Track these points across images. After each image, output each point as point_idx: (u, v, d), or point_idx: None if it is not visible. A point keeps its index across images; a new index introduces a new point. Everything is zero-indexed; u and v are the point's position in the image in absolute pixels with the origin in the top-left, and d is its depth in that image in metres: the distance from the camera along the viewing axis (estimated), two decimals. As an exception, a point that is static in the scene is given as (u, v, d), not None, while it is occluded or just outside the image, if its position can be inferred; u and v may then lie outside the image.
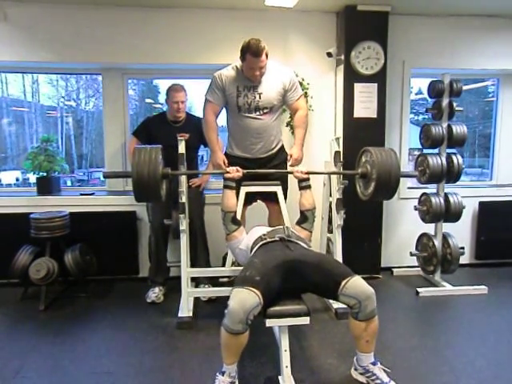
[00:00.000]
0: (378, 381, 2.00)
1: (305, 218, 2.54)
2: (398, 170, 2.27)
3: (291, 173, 2.59)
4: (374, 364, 2.04)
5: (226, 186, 2.51)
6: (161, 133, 3.23)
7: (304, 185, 2.56)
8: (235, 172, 2.51)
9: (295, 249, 2.18)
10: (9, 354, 2.41)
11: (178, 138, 2.80)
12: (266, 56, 2.69)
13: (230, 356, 1.91)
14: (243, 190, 2.81)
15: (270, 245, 2.23)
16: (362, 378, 2.08)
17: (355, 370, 2.12)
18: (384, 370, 2.04)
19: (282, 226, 2.44)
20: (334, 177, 3.02)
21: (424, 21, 3.66)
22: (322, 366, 2.25)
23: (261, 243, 2.26)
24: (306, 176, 2.55)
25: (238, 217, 2.63)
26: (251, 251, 2.29)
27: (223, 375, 1.93)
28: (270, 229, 2.44)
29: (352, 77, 3.47)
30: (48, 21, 3.37)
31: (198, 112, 3.43)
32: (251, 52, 2.61)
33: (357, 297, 1.94)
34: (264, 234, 2.33)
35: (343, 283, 1.96)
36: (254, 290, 1.84)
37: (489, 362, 2.29)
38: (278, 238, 2.26)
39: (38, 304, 3.03)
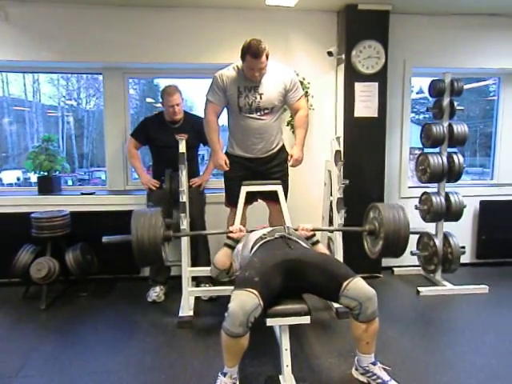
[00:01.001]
0: (379, 380, 2.00)
1: None
2: (408, 229, 2.21)
3: (296, 230, 2.41)
4: (374, 364, 2.04)
5: (226, 245, 2.36)
6: (159, 134, 3.24)
7: (310, 242, 2.37)
8: (238, 232, 2.37)
9: (295, 248, 2.17)
10: (10, 353, 2.41)
11: (178, 138, 2.80)
12: (267, 57, 2.68)
13: (232, 359, 1.90)
14: (244, 190, 2.82)
15: (269, 243, 2.22)
16: (362, 378, 2.08)
17: (356, 370, 2.12)
18: (384, 369, 2.04)
19: (282, 226, 2.43)
20: (334, 176, 3.01)
21: (425, 20, 3.66)
22: (323, 365, 2.25)
23: (261, 242, 2.25)
24: (310, 234, 2.39)
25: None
26: (251, 250, 2.29)
27: (225, 376, 1.92)
28: (270, 228, 2.44)
29: (353, 76, 3.46)
30: (49, 20, 3.38)
31: (199, 111, 3.43)
32: (251, 53, 2.61)
33: (358, 298, 1.93)
34: (264, 234, 2.32)
35: (345, 285, 1.95)
36: (253, 291, 1.83)
37: (489, 362, 2.29)
38: (278, 236, 2.25)
39: (39, 303, 3.03)
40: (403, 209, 2.28)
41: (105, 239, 2.31)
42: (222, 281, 2.44)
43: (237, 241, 2.38)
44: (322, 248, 2.46)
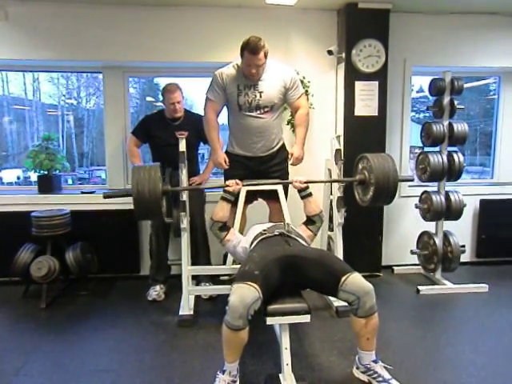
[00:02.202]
0: (380, 378, 2.00)
1: (312, 221, 2.57)
2: (396, 174, 2.28)
3: (290, 183, 2.61)
4: (375, 362, 2.05)
5: (223, 198, 2.52)
6: (159, 131, 3.24)
7: (304, 194, 2.57)
8: (235, 185, 2.52)
9: (294, 245, 2.19)
10: (10, 352, 2.42)
11: (178, 136, 2.79)
12: (265, 55, 2.68)
13: (232, 354, 1.92)
14: (244, 189, 2.81)
15: (269, 239, 2.25)
16: (363, 377, 2.08)
17: (357, 368, 2.12)
18: (385, 368, 2.04)
19: (282, 222, 2.45)
20: (334, 175, 3.01)
21: (425, 18, 3.65)
22: (323, 364, 2.26)
23: (260, 238, 2.27)
24: (304, 186, 2.56)
25: (229, 223, 2.64)
26: (250, 246, 2.30)
27: (224, 374, 1.93)
28: (270, 224, 2.46)
29: (353, 75, 3.46)
30: (49, 19, 3.37)
31: (198, 110, 3.43)
32: (249, 49, 2.61)
33: (356, 293, 1.95)
34: (264, 230, 2.35)
35: (343, 279, 1.97)
36: (253, 284, 1.86)
37: (489, 360, 2.29)
38: (277, 233, 2.27)
39: (39, 302, 3.04)
40: (391, 157, 2.36)
41: (105, 194, 2.33)
42: (216, 236, 2.53)
43: (233, 194, 2.54)
44: (314, 200, 2.59)
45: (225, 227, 2.52)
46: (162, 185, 2.27)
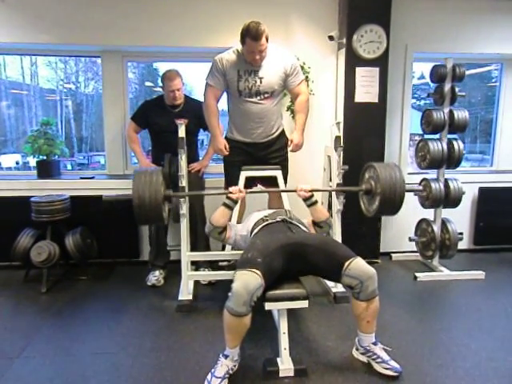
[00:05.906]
0: (379, 360, 2.04)
1: (319, 227, 2.50)
2: (403, 185, 2.23)
3: (294, 191, 2.46)
4: (375, 344, 2.08)
5: (224, 204, 2.40)
6: (159, 118, 3.22)
7: (309, 203, 2.45)
8: (238, 192, 2.40)
9: (297, 231, 2.20)
10: (12, 335, 2.45)
11: (177, 122, 2.78)
12: (267, 39, 2.65)
13: (234, 339, 1.93)
14: (243, 175, 2.82)
15: (271, 226, 2.25)
16: (362, 358, 2.13)
17: (356, 350, 2.16)
18: (385, 350, 2.08)
19: (283, 209, 2.45)
20: (334, 162, 3.01)
21: (427, 4, 3.60)
22: (321, 349, 2.28)
23: (262, 224, 2.27)
24: (309, 194, 2.43)
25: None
26: (251, 233, 2.31)
27: (226, 358, 1.95)
28: (271, 211, 2.45)
29: (354, 61, 3.43)
30: (47, 2, 3.32)
31: (198, 96, 3.40)
32: (250, 36, 2.58)
33: (359, 277, 1.98)
34: (266, 216, 2.34)
35: (346, 264, 2.00)
36: (256, 271, 1.87)
37: (484, 345, 2.33)
38: (279, 219, 2.27)
39: (39, 286, 3.06)
40: (399, 167, 2.32)
41: (105, 197, 2.31)
42: (215, 238, 2.49)
43: (235, 201, 2.43)
44: (320, 208, 2.52)
45: (222, 230, 2.44)
46: (164, 189, 2.22)
